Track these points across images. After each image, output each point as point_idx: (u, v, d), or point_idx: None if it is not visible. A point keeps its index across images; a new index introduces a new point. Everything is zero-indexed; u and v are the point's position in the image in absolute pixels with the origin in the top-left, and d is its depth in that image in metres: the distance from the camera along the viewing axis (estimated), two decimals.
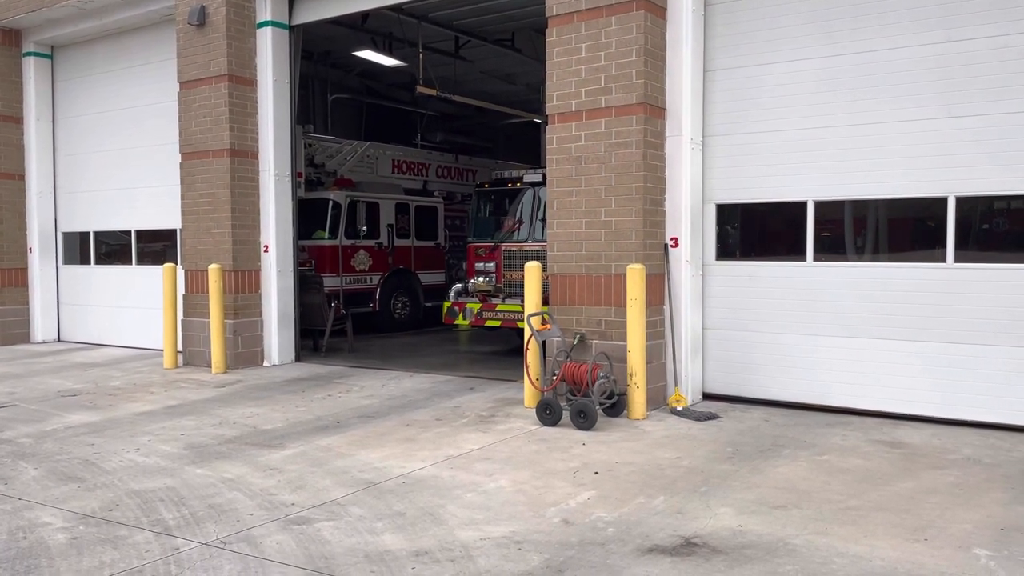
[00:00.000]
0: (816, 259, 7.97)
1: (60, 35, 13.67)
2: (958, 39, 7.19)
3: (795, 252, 8.09)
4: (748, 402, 8.25)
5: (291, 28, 11.39)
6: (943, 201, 7.32)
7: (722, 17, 8.32)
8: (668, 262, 8.27)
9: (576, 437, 6.95)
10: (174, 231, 12.72)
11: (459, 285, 12.42)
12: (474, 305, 11.68)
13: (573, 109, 8.24)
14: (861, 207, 7.84)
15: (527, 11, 13.14)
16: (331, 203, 14.81)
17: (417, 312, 16.25)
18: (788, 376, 8.10)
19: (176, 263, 12.02)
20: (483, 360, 11.84)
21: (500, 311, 11.44)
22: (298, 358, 11.64)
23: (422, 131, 20.84)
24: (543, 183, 11.12)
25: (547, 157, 8.48)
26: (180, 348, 11.45)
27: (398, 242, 15.89)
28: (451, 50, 15.77)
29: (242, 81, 11.11)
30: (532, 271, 8.20)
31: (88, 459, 6.46)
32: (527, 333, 8.01)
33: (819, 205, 7.94)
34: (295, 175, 11.70)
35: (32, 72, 14.12)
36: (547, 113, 8.46)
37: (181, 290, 11.58)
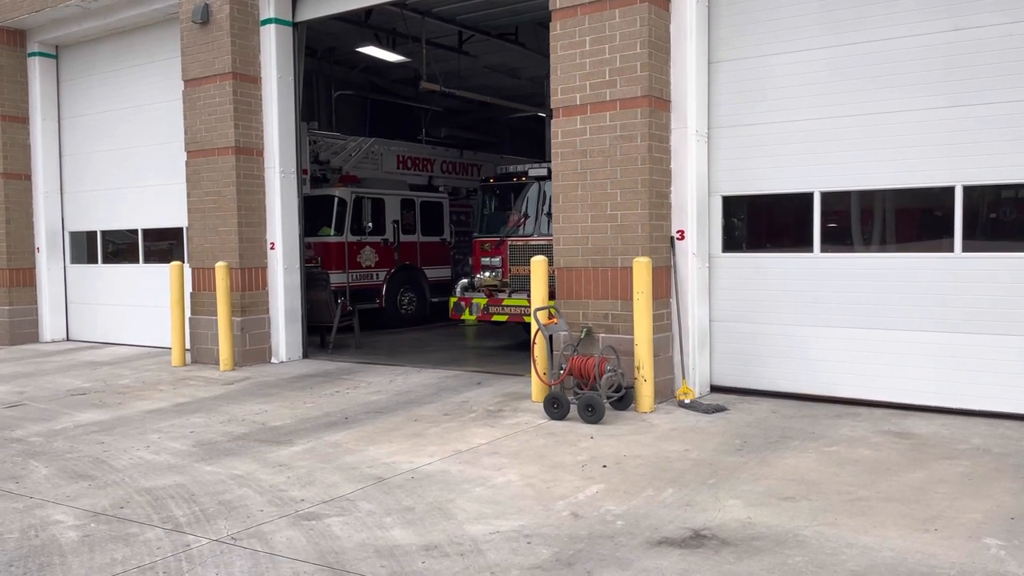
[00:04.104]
0: (823, 250, 7.94)
1: (64, 35, 13.69)
2: (965, 27, 7.15)
3: (802, 243, 8.07)
4: (756, 394, 8.24)
5: (295, 25, 11.38)
6: (950, 191, 7.29)
7: (727, 8, 8.28)
8: (674, 255, 8.26)
9: (584, 431, 6.95)
10: (180, 229, 12.75)
11: (465, 280, 12.41)
12: (480, 300, 11.68)
13: (578, 103, 8.22)
14: (868, 198, 7.81)
15: (531, 5, 13.14)
16: (336, 200, 14.83)
17: (423, 308, 16.28)
18: (796, 368, 8.08)
19: (183, 261, 12.06)
20: (490, 355, 11.85)
21: (506, 306, 11.43)
22: (305, 355, 11.67)
23: (427, 126, 20.83)
24: (548, 177, 11.10)
25: (552, 151, 8.47)
26: (188, 346, 11.49)
27: (404, 238, 15.90)
28: (455, 45, 15.77)
29: (246, 79, 11.11)
30: (538, 265, 8.20)
31: (98, 457, 6.49)
32: (534, 327, 8.01)
33: (825, 196, 7.91)
34: (300, 172, 11.70)
35: (37, 72, 14.14)
36: (552, 107, 8.45)
37: (188, 288, 11.61)
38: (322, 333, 12.72)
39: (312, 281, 12.42)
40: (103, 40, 13.68)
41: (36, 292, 14.49)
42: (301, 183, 11.77)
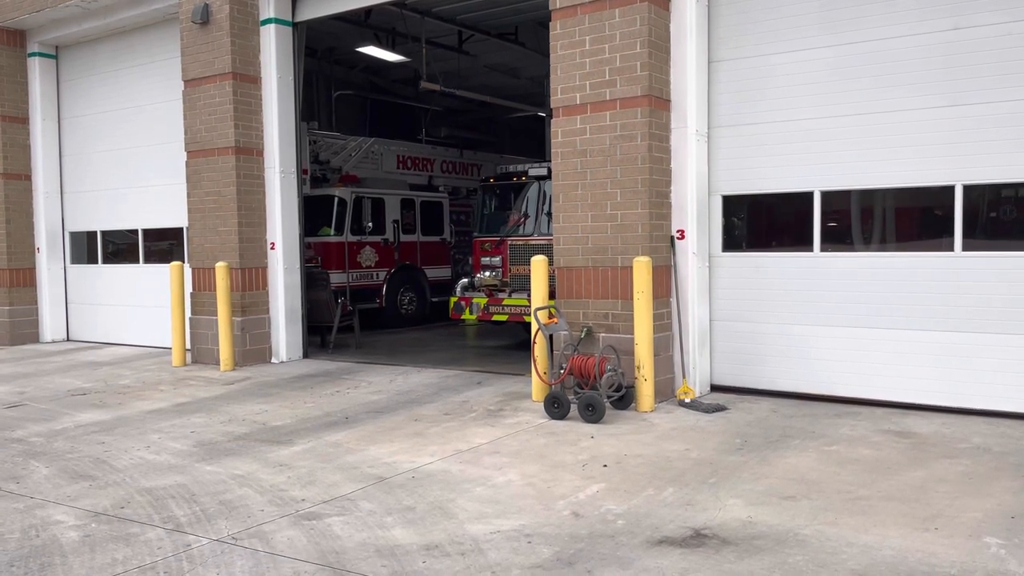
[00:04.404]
0: (823, 249, 7.95)
1: (64, 35, 13.70)
2: (965, 26, 7.15)
3: (802, 243, 8.07)
4: (756, 393, 8.24)
5: (294, 25, 11.39)
6: (950, 190, 7.29)
7: (726, 7, 8.28)
8: (675, 254, 8.26)
9: (584, 430, 6.96)
10: (181, 229, 12.75)
11: (465, 280, 12.41)
12: (480, 300, 11.68)
13: (578, 102, 8.22)
14: (868, 197, 7.81)
15: (531, 4, 13.14)
16: (336, 200, 14.83)
17: (423, 307, 16.28)
18: (796, 367, 8.09)
19: (183, 261, 12.06)
20: (490, 354, 11.85)
21: (507, 305, 11.44)
22: (306, 355, 11.67)
23: (427, 126, 20.83)
24: (548, 177, 11.10)
25: (552, 151, 8.47)
26: (188, 346, 11.49)
27: (404, 238, 15.90)
28: (455, 45, 15.77)
29: (246, 79, 11.12)
30: (538, 265, 8.20)
31: (99, 457, 6.50)
32: (534, 327, 8.01)
33: (825, 195, 7.91)
34: (300, 172, 11.71)
35: (37, 72, 14.15)
36: (552, 107, 8.45)
37: (188, 288, 11.62)
38: (322, 333, 12.72)
39: (312, 281, 12.43)
40: (103, 40, 13.68)
41: (36, 292, 14.49)
42: (301, 183, 11.77)
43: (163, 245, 13.32)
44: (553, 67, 8.38)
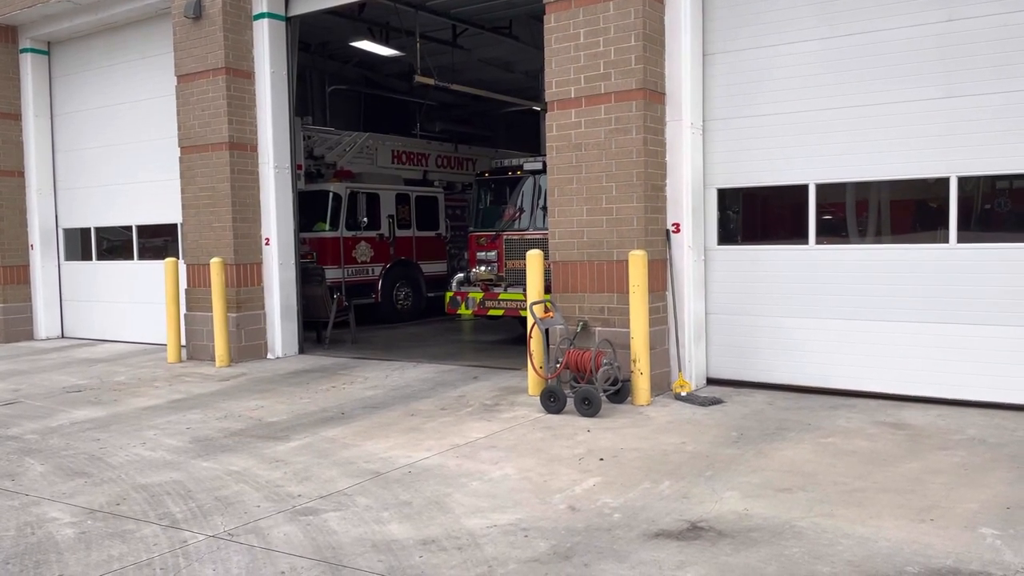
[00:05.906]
0: (818, 242, 7.95)
1: (56, 31, 13.64)
2: (959, 18, 7.14)
3: (797, 235, 8.08)
4: (752, 386, 8.25)
5: (288, 19, 11.34)
6: (945, 182, 7.29)
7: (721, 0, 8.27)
8: (670, 248, 8.26)
9: (581, 424, 6.96)
10: (175, 225, 12.71)
11: (461, 275, 12.42)
12: (476, 294, 11.68)
13: (572, 96, 8.21)
14: (863, 189, 7.82)
15: None
16: (331, 195, 14.80)
17: (419, 302, 16.26)
18: (792, 359, 8.09)
19: (178, 257, 12.03)
20: (486, 349, 11.85)
21: (502, 300, 11.43)
22: (301, 350, 11.65)
23: (421, 121, 20.78)
24: (543, 171, 11.09)
25: (547, 145, 8.46)
26: (183, 342, 11.46)
27: (399, 233, 15.88)
28: (448, 39, 15.73)
29: (240, 74, 11.07)
30: (534, 259, 8.19)
31: (94, 454, 6.48)
32: (530, 321, 8.01)
33: (820, 188, 7.91)
34: (295, 167, 11.68)
35: (29, 69, 14.09)
36: (546, 100, 8.44)
37: (183, 284, 11.59)
38: (318, 329, 12.71)
39: (308, 276, 12.40)
40: (95, 36, 13.62)
41: (30, 289, 14.45)
42: (296, 178, 11.75)
43: (157, 241, 13.28)
44: (547, 61, 8.36)
